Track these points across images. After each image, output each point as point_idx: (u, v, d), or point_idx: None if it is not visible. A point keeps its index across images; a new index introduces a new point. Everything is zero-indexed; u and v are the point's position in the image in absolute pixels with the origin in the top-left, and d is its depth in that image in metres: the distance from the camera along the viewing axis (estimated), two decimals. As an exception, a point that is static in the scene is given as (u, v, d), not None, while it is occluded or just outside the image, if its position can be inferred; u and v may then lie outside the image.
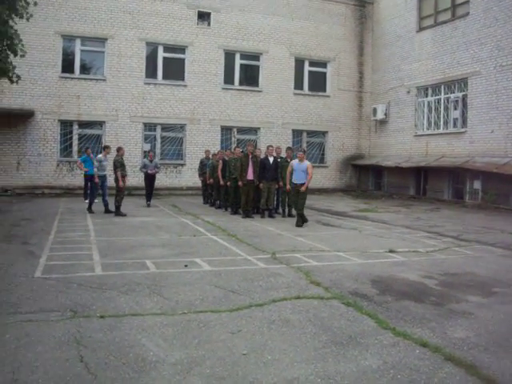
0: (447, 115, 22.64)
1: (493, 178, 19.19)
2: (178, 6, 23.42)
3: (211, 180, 18.29)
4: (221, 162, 17.17)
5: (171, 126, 23.53)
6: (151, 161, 18.05)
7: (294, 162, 13.87)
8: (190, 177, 23.25)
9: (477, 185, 20.46)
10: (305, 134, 25.80)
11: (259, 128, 24.84)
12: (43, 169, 21.71)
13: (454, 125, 22.12)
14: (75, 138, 22.34)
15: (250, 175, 15.50)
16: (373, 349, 4.84)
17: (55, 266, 8.11)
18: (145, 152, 21.76)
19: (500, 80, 19.73)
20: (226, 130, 24.43)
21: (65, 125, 22.20)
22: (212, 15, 24.09)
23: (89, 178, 17.73)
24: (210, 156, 19.38)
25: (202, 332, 5.25)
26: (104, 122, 22.46)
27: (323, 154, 26.32)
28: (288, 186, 14.27)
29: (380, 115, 25.82)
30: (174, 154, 23.56)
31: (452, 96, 22.31)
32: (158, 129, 23.33)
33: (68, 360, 4.50)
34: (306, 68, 26.16)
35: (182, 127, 23.66)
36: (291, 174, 13.92)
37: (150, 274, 7.71)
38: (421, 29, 24.20)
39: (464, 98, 21.62)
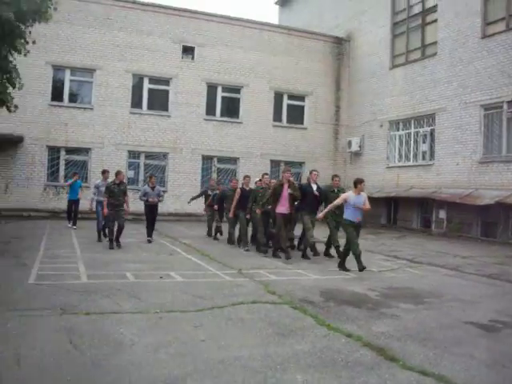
0: (417, 148, 23.95)
1: (457, 208, 20.40)
2: (164, 40, 24.71)
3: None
4: (239, 190, 14.80)
5: (154, 154, 24.66)
6: (153, 188, 15.30)
7: (351, 196, 11.09)
8: (171, 203, 24.22)
9: (442, 214, 21.67)
10: (282, 164, 26.98)
11: (239, 158, 26.01)
12: (30, 192, 22.65)
13: (423, 157, 23.44)
14: (62, 163, 23.37)
15: (285, 208, 12.59)
16: (307, 338, 6.00)
17: (46, 275, 9.22)
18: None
19: (464, 116, 21.09)
20: (206, 160, 25.56)
21: (52, 150, 23.23)
22: (196, 49, 25.38)
23: (72, 202, 18.82)
24: (215, 184, 18.63)
25: (170, 325, 6.39)
26: (90, 148, 23.54)
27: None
28: (321, 215, 12.15)
29: (355, 147, 27.08)
30: (156, 181, 24.47)
31: (421, 130, 23.66)
32: (142, 157, 24.45)
33: (60, 342, 5.60)
34: (285, 101, 27.43)
35: (164, 155, 24.79)
36: (338, 208, 11.74)
37: (129, 283, 8.89)
38: (393, 66, 25.58)
39: (432, 132, 22.94)
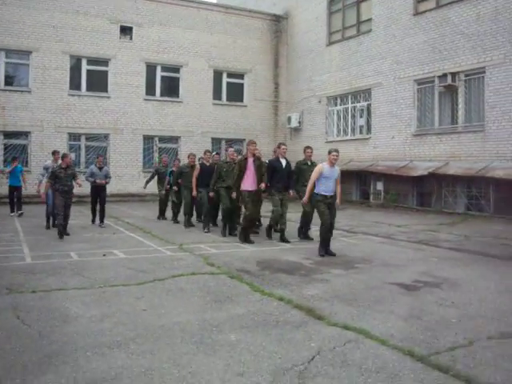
0: (354, 123, 24.64)
1: (393, 180, 21.17)
2: (101, 21, 24.53)
3: (175, 187, 15.50)
4: (198, 167, 14.03)
5: (95, 136, 24.61)
6: (101, 168, 14.67)
7: (325, 167, 10.17)
8: (114, 184, 24.12)
9: (380, 186, 22.45)
10: (223, 142, 27.32)
11: (180, 137, 26.21)
12: (-31, 178, 22.39)
13: (360, 131, 24.14)
14: (1, 147, 23.08)
15: (252, 184, 11.71)
16: (242, 303, 6.46)
17: (-10, 258, 9.40)
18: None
19: (399, 91, 21.81)
20: (148, 139, 25.65)
21: (-10, 135, 22.97)
22: (134, 29, 25.31)
23: (14, 188, 17.69)
24: (168, 163, 17.72)
25: (113, 298, 6.74)
26: (29, 132, 23.31)
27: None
28: (306, 199, 10.79)
29: (294, 123, 27.62)
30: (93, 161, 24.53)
31: (358, 105, 24.32)
32: (83, 138, 24.37)
33: (7, 318, 5.88)
34: (224, 79, 27.69)
35: (105, 137, 24.77)
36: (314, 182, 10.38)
37: (73, 262, 9.19)
38: (330, 43, 26.10)
39: (368, 107, 23.63)
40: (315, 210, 10.87)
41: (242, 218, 12.52)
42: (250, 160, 11.74)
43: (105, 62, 24.84)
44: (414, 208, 20.35)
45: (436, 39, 19.98)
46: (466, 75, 19.01)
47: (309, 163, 12.21)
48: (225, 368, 4.46)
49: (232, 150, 14.08)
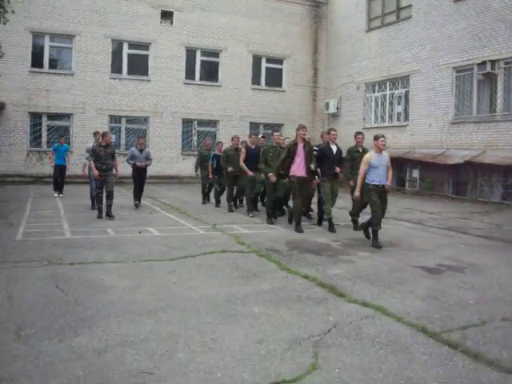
0: (392, 110, 24.60)
1: (430, 168, 21.16)
2: (143, 5, 24.94)
3: (229, 169, 14.28)
4: (244, 150, 13.63)
5: (135, 119, 25.15)
6: (141, 150, 14.46)
7: (372, 156, 9.65)
8: (153, 166, 24.46)
9: (415, 173, 22.45)
10: (262, 127, 27.57)
11: (218, 121, 26.56)
12: (14, 158, 23.11)
13: (398, 119, 24.10)
14: (44, 129, 23.79)
15: (302, 171, 10.98)
16: (268, 280, 6.76)
17: (32, 233, 9.91)
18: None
19: (437, 78, 21.71)
20: (187, 123, 26.07)
21: (34, 117, 23.63)
22: (174, 14, 25.65)
23: (59, 167, 17.26)
24: (211, 146, 17.35)
25: (146, 272, 7.10)
26: (72, 114, 23.94)
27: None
28: (357, 193, 9.97)
29: (332, 109, 27.68)
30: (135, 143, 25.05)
31: (396, 92, 24.27)
32: (123, 121, 24.92)
33: (47, 286, 6.30)
34: (263, 64, 27.88)
35: (145, 120, 25.27)
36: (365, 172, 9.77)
37: (109, 237, 9.63)
38: (369, 29, 26.03)
39: (406, 94, 23.56)
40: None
41: (292, 207, 11.66)
42: (300, 145, 11.03)
43: (145, 46, 25.26)
44: (449, 196, 20.32)
45: (476, 26, 19.80)
46: (506, 63, 18.83)
47: (360, 150, 11.61)
48: (245, 336, 4.77)
49: (278, 133, 13.47)
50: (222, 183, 15.35)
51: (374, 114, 25.73)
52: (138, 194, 14.57)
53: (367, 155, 9.81)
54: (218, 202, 15.44)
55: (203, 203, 16.16)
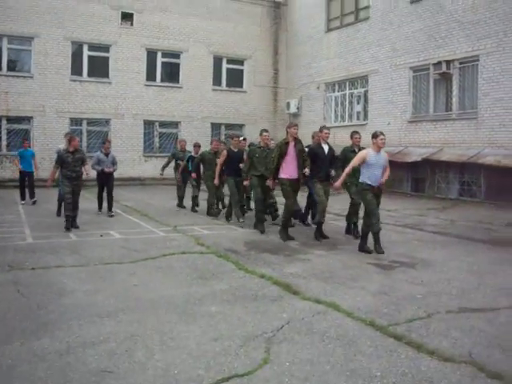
0: (351, 109, 25.03)
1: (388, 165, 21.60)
2: (102, 7, 24.87)
3: (193, 175, 14.52)
4: (225, 153, 12.71)
5: (96, 121, 25.04)
6: (107, 154, 13.77)
7: (370, 153, 9.03)
8: (115, 168, 24.75)
9: (375, 172, 22.87)
10: (223, 127, 27.77)
11: (180, 122, 26.65)
12: (-28, 162, 22.90)
13: (357, 118, 24.53)
14: (4, 132, 23.55)
15: (293, 172, 10.34)
16: (226, 280, 7.00)
17: (-7, 238, 9.96)
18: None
19: (395, 78, 22.18)
20: (148, 124, 26.09)
21: (-7, 120, 23.43)
22: (135, 16, 25.64)
23: (25, 174, 16.44)
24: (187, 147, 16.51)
25: (107, 274, 7.28)
26: (32, 117, 23.76)
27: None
28: (338, 183, 9.52)
29: (293, 109, 27.97)
30: (99, 147, 24.82)
31: (355, 91, 24.70)
32: (84, 123, 24.81)
33: (8, 291, 6.42)
34: (224, 65, 28.04)
35: (107, 122, 25.19)
36: (356, 170, 9.42)
37: (71, 241, 9.78)
38: (329, 30, 26.41)
39: (365, 93, 24.00)
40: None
41: (283, 212, 10.69)
42: (292, 144, 10.31)
43: (106, 48, 25.20)
44: (408, 193, 20.79)
45: (431, 27, 20.29)
46: (461, 63, 19.36)
47: (356, 150, 10.70)
48: (202, 334, 4.99)
49: (266, 133, 12.07)
50: (198, 187, 14.84)
51: (334, 114, 26.13)
52: (101, 200, 13.93)
53: (364, 151, 9.20)
54: (193, 207, 14.77)
55: (178, 206, 15.46)
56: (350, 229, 11.07)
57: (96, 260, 8.11)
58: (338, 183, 9.50)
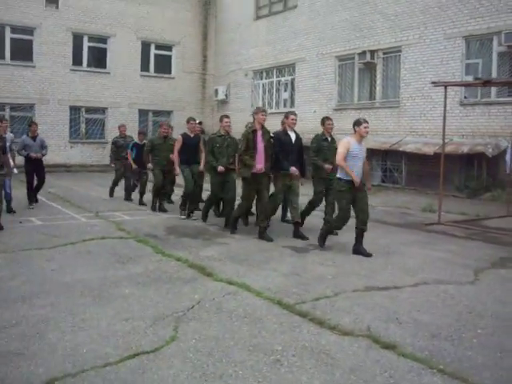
0: (279, 96, 25.40)
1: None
2: (26, -12, 24.28)
3: (149, 165, 12.51)
4: (180, 138, 11.37)
5: (20, 106, 24.43)
6: (34, 138, 12.46)
7: (352, 143, 8.00)
8: (40, 154, 24.30)
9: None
10: (151, 114, 27.64)
11: (107, 108, 26.30)
12: None
13: (284, 105, 24.88)
14: None
15: (260, 163, 9.17)
16: (143, 263, 7.17)
17: None
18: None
19: (321, 66, 22.63)
20: (74, 110, 25.62)
21: None
22: (60, -2, 25.13)
23: None
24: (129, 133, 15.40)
25: (25, 260, 7.31)
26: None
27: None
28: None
29: (221, 96, 28.10)
30: (23, 133, 24.17)
31: (283, 79, 25.06)
32: (7, 109, 24.15)
33: None
34: (153, 51, 27.81)
35: (31, 107, 24.61)
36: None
37: (-10, 229, 9.62)
38: (257, 17, 26.59)
39: (292, 81, 24.41)
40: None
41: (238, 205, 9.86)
42: (259, 133, 9.18)
43: (30, 31, 24.55)
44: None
45: (357, 17, 20.80)
46: (384, 53, 19.97)
47: (329, 138, 9.85)
48: (114, 315, 5.15)
49: (227, 119, 10.65)
50: (144, 177, 13.53)
51: (261, 101, 26.38)
52: (33, 193, 12.61)
53: (346, 139, 8.10)
54: (128, 196, 13.99)
55: (110, 197, 14.45)
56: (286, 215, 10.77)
57: (14, 246, 8.09)
58: (357, 179, 7.95)
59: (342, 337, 4.77)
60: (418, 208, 13.56)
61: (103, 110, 26.34)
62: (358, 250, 8.10)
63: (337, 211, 8.56)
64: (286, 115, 9.60)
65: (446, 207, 12.35)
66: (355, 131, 8.06)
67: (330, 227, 8.64)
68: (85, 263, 7.17)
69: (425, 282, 6.64)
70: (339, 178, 8.06)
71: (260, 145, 9.13)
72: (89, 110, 25.99)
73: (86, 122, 25.83)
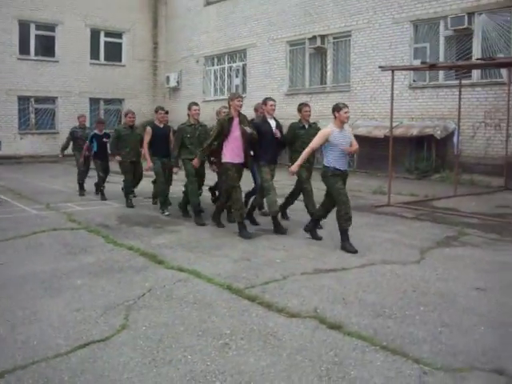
0: (230, 82, 25.43)
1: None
2: (-33, -27, 23.63)
3: (118, 157, 11.58)
4: (149, 130, 10.72)
5: (-35, 97, 23.93)
6: None
7: (333, 132, 7.52)
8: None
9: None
10: (102, 102, 27.32)
11: (57, 97, 25.89)
12: None
13: (236, 91, 24.93)
14: None
15: (239, 154, 8.62)
16: (95, 254, 7.21)
17: None
18: None
19: (272, 52, 22.75)
20: (23, 100, 25.15)
21: None
22: (5, -15, 24.55)
23: None
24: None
25: (-26, 254, 7.24)
26: None
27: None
28: (295, 166, 8.01)
29: (173, 83, 27.98)
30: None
31: (234, 65, 25.09)
32: (-48, 100, 23.65)
33: None
34: (102, 39, 27.45)
35: (-23, 98, 24.14)
36: (315, 151, 8.12)
37: None
38: (208, 3, 26.50)
39: (244, 67, 24.47)
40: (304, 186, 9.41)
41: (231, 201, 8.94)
42: (236, 120, 8.49)
43: (-26, 19, 24.01)
44: (285, 164, 21.37)
45: (307, 2, 20.95)
46: (334, 38, 20.21)
47: (306, 126, 9.28)
48: (65, 306, 5.20)
49: (197, 107, 10.12)
50: (106, 170, 12.77)
51: (213, 87, 26.43)
52: None
53: (326, 129, 7.60)
54: (98, 191, 12.99)
55: (81, 195, 13.23)
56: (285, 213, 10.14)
57: (-40, 242, 8.04)
58: (294, 167, 7.98)
59: (290, 319, 4.92)
60: (369, 191, 13.85)
61: (53, 100, 25.93)
62: (347, 247, 7.58)
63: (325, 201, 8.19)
64: (264, 101, 9.01)
65: (397, 189, 12.66)
66: (335, 117, 7.57)
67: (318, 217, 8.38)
68: (36, 256, 7.16)
69: (372, 262, 6.85)
70: (327, 167, 7.68)
71: (235, 133, 8.44)
72: (38, 99, 25.53)
73: (35, 112, 25.38)
